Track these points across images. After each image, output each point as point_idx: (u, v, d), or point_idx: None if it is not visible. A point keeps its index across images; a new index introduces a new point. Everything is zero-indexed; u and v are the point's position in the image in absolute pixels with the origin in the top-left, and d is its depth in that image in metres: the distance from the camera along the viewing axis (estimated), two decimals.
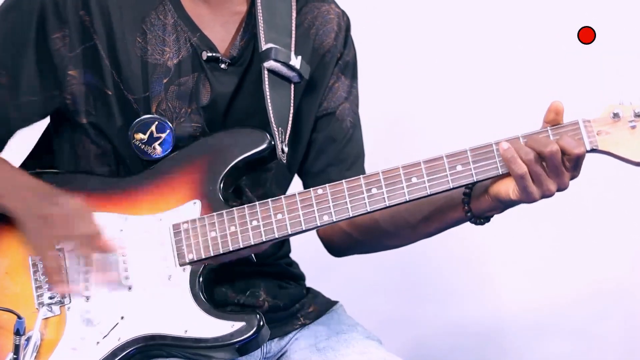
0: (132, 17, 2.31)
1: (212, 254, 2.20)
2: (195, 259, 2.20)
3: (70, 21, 2.28)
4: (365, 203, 2.16)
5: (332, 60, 2.45)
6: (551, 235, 3.50)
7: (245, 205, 2.20)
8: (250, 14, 2.38)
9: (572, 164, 2.09)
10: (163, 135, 2.29)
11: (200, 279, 2.20)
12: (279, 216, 2.18)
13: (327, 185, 2.18)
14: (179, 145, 2.29)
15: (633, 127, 2.10)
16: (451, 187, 2.14)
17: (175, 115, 2.32)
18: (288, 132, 2.32)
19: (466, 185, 2.17)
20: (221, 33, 2.36)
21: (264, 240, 2.19)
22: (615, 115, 2.10)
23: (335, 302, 2.53)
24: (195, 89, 2.33)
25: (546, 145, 2.07)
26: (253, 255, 2.25)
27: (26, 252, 2.23)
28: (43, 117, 2.37)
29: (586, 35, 2.72)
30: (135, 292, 2.20)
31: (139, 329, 2.18)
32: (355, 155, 2.47)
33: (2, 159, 2.32)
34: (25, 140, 2.45)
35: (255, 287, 2.40)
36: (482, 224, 2.22)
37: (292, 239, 2.45)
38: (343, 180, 2.17)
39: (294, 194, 2.19)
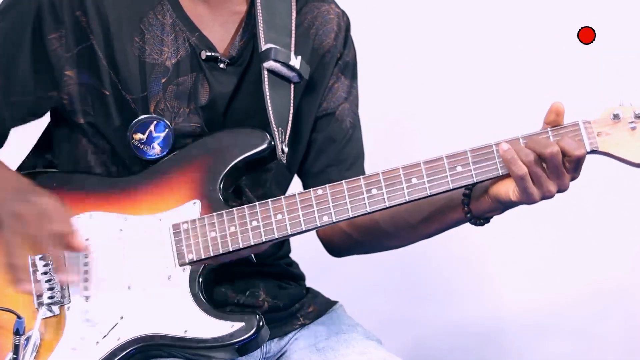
0: (129, 17, 2.31)
1: (211, 254, 2.20)
2: (195, 259, 2.20)
3: (67, 21, 2.28)
4: (365, 204, 2.16)
5: (331, 60, 2.44)
6: (551, 235, 3.50)
7: (245, 206, 2.20)
8: (250, 14, 2.38)
9: (572, 166, 2.09)
10: (162, 135, 2.29)
11: (200, 279, 2.20)
12: (279, 216, 2.18)
13: (327, 185, 2.18)
14: (177, 145, 2.29)
15: (633, 129, 2.10)
16: (451, 188, 2.14)
17: (173, 115, 2.32)
18: (288, 132, 2.32)
19: (466, 186, 2.17)
20: (220, 33, 2.36)
21: (264, 240, 2.19)
22: (616, 116, 2.10)
23: (335, 302, 2.53)
24: (194, 89, 2.33)
25: (546, 146, 2.07)
26: (253, 255, 2.25)
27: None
28: (38, 116, 2.37)
29: (586, 35, 2.72)
30: (134, 292, 2.20)
31: (138, 329, 2.18)
32: (355, 156, 2.47)
33: None
34: (25, 140, 2.45)
35: (255, 287, 2.40)
36: (482, 224, 2.22)
37: (292, 239, 2.45)
38: (343, 181, 2.17)
39: (294, 195, 2.19)
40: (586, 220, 3.47)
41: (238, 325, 2.15)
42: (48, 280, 2.21)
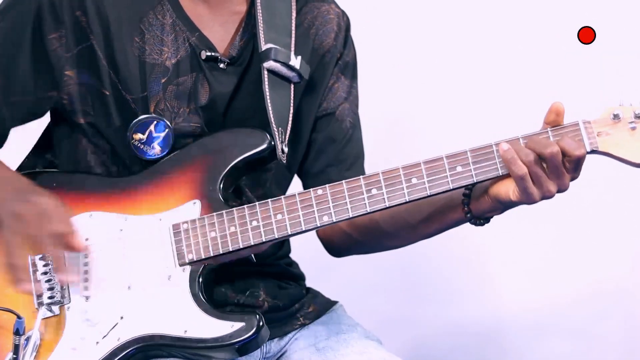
0: (129, 17, 2.31)
1: (211, 254, 2.20)
2: (195, 259, 2.20)
3: (67, 22, 2.28)
4: (365, 204, 2.16)
5: (331, 60, 2.44)
6: (551, 235, 3.50)
7: (245, 206, 2.20)
8: (250, 14, 2.38)
9: (572, 166, 2.09)
10: (162, 135, 2.29)
11: (200, 279, 2.20)
12: (279, 216, 2.18)
13: (327, 185, 2.18)
14: (177, 145, 2.29)
15: (633, 129, 2.10)
16: (451, 188, 2.14)
17: (173, 115, 2.32)
18: (288, 132, 2.32)
19: (466, 186, 2.17)
20: (220, 33, 2.36)
21: (264, 240, 2.19)
22: (616, 116, 2.10)
23: (335, 302, 2.53)
24: (194, 89, 2.33)
25: (546, 146, 2.07)
26: (253, 255, 2.25)
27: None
28: (38, 116, 2.37)
29: (586, 35, 2.72)
30: (134, 292, 2.20)
31: (138, 329, 2.18)
32: (355, 156, 2.47)
33: None
34: (25, 140, 2.45)
35: (255, 287, 2.40)
36: (482, 224, 2.22)
37: (292, 239, 2.45)
38: (343, 181, 2.17)
39: (294, 195, 2.19)
40: (586, 220, 3.47)
41: (238, 325, 2.15)
42: (48, 280, 2.21)
